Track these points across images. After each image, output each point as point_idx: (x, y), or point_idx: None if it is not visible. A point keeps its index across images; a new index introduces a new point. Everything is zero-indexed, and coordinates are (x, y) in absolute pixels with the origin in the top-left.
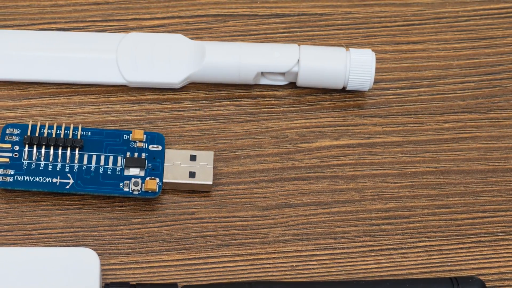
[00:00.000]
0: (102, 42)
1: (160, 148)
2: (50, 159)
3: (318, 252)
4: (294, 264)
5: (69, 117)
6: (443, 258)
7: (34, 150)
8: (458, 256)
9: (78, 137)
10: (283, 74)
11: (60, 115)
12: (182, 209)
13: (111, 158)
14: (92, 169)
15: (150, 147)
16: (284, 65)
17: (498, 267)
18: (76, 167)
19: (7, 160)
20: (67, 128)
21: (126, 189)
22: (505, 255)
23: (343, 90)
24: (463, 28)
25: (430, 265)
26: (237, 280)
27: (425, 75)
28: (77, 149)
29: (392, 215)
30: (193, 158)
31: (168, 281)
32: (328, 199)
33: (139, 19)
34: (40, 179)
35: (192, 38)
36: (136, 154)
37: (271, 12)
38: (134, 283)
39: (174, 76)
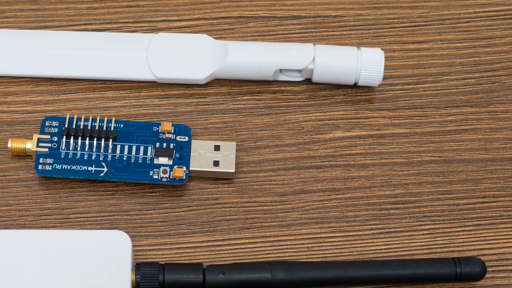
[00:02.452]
0: (133, 41)
1: (186, 139)
2: (86, 149)
3: (331, 235)
4: (310, 245)
5: (103, 110)
6: (446, 239)
7: (71, 140)
8: (460, 238)
9: (112, 129)
10: (299, 71)
11: (95, 109)
12: (207, 195)
13: (141, 148)
14: (124, 158)
15: (178, 138)
16: (300, 63)
17: (497, 248)
18: (109, 156)
19: (47, 150)
20: (101, 121)
21: (155, 176)
22: (504, 237)
23: (355, 85)
24: (465, 29)
25: (435, 246)
26: (257, 260)
27: (430, 72)
28: (110, 140)
29: (400, 200)
30: (217, 148)
31: (194, 261)
32: (341, 185)
33: (168, 21)
34: (76, 167)
35: (216, 38)
36: (164, 145)
37: (289, 14)
38: (163, 262)
39: (200, 73)
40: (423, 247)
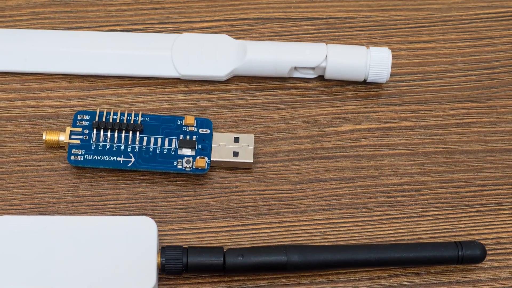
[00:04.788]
0: (159, 41)
1: (208, 131)
2: (115, 141)
3: (342, 220)
4: (322, 230)
5: (131, 105)
6: (449, 225)
7: (101, 133)
8: (462, 223)
9: (139, 122)
10: (313, 68)
11: (123, 104)
12: (227, 183)
13: (166, 140)
14: (151, 149)
15: (200, 130)
16: (314, 61)
17: (496, 232)
18: (137, 147)
19: (78, 142)
20: (129, 115)
21: (179, 166)
22: (502, 222)
23: (364, 82)
24: (466, 29)
25: (438, 231)
26: (274, 244)
27: (434, 69)
28: (137, 132)
29: (406, 189)
30: (236, 140)
31: (215, 245)
32: (351, 175)
33: (191, 22)
34: (106, 158)
35: (235, 38)
36: (188, 137)
37: (303, 16)
38: (186, 246)
39: (220, 70)
40: (427, 232)
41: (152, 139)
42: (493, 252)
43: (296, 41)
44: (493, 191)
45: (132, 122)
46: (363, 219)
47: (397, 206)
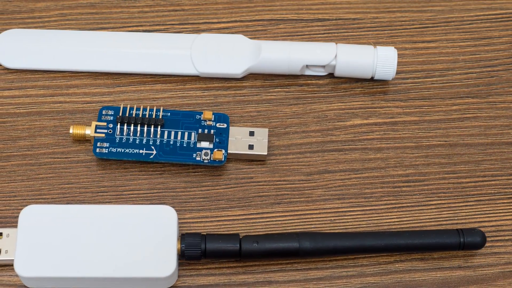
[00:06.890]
0: (179, 41)
1: (225, 125)
2: (137, 135)
3: (351, 209)
4: (332, 218)
5: (152, 101)
6: (451, 213)
7: (125, 127)
8: (463, 212)
9: (160, 117)
10: (323, 66)
11: (145, 100)
12: (242, 174)
13: (186, 133)
14: (171, 143)
15: (217, 125)
16: (324, 60)
17: (495, 220)
18: (158, 141)
19: (103, 135)
20: (151, 110)
21: (198, 158)
22: (501, 211)
23: (371, 79)
24: (468, 30)
25: (441, 219)
26: (287, 231)
27: (437, 67)
28: (159, 127)
29: (411, 179)
30: (251, 133)
31: (232, 232)
32: (359, 166)
33: (209, 23)
34: (129, 150)
35: (250, 38)
36: (206, 131)
37: (314, 17)
38: (205, 233)
39: (237, 68)
40: (431, 220)
41: (173, 133)
42: (492, 239)
43: (308, 41)
44: (493, 182)
45: (153, 117)
46: (371, 208)
47: (402, 196)
